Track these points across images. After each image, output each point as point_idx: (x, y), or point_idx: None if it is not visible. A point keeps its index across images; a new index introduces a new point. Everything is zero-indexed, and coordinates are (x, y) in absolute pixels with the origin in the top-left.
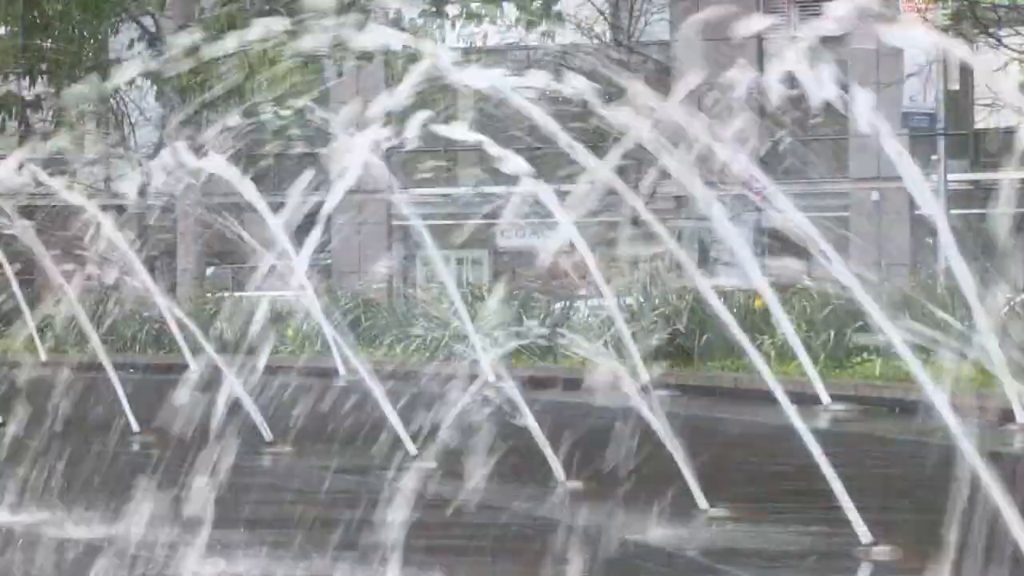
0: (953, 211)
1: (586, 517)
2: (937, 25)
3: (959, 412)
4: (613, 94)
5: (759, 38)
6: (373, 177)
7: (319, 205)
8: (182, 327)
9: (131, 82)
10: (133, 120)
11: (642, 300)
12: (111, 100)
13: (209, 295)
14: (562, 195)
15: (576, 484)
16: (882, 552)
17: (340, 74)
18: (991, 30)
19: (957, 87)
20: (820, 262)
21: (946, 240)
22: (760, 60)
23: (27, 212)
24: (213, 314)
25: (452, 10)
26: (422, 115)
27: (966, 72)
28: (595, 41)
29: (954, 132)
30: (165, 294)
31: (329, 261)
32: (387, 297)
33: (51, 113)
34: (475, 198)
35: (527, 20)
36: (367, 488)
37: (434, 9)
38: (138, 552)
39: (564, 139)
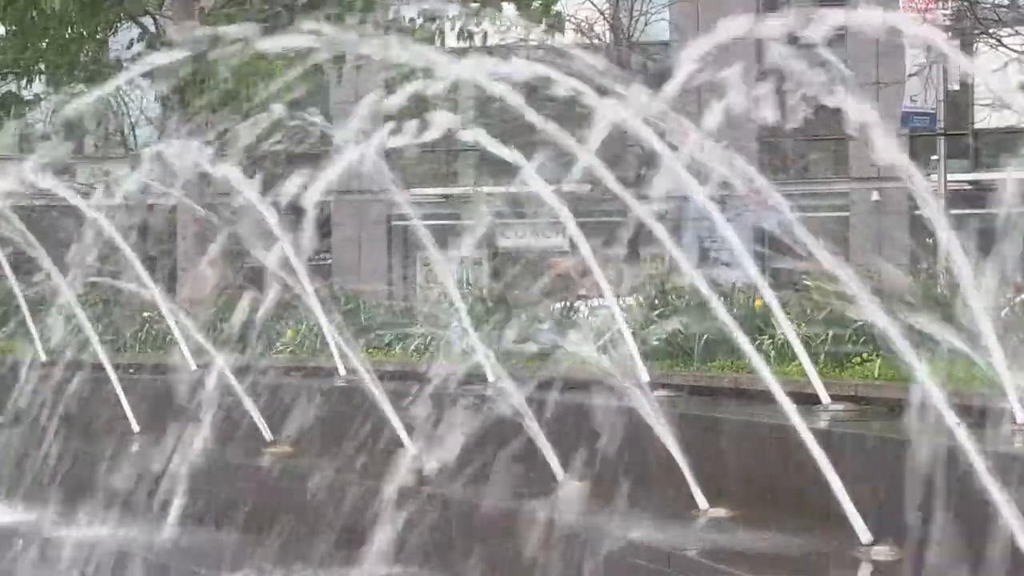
0: (953, 211)
1: (585, 516)
2: (937, 25)
3: (959, 412)
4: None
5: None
6: (373, 177)
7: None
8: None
9: (131, 81)
10: (133, 120)
11: (642, 300)
12: (111, 100)
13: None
14: (564, 195)
15: (578, 484)
16: (881, 552)
17: (340, 79)
18: (991, 30)
19: (957, 87)
20: (819, 263)
21: (946, 240)
22: (759, 59)
23: (26, 213)
24: (214, 314)
25: (452, 10)
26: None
27: (966, 72)
28: (595, 41)
29: (954, 132)
30: (165, 294)
31: (329, 261)
32: (387, 297)
33: (50, 113)
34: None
35: (527, 20)
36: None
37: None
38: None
39: (565, 137)
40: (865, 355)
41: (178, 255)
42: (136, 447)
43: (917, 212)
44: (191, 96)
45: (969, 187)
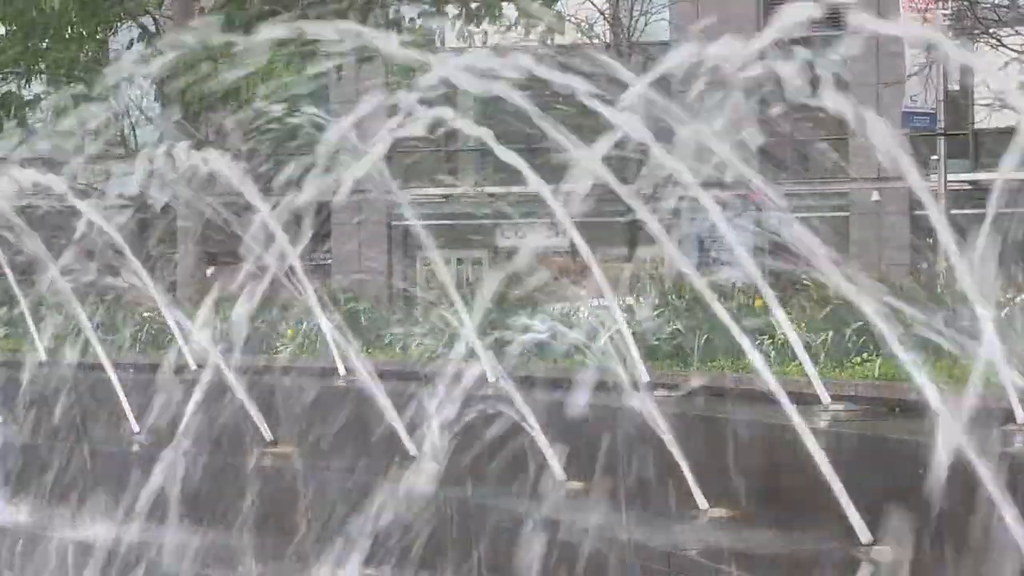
0: (953, 211)
1: (585, 517)
2: (937, 24)
3: (959, 413)
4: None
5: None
6: (372, 177)
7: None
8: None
9: (131, 81)
10: (133, 120)
11: (642, 300)
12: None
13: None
14: (563, 194)
15: (576, 484)
16: (881, 552)
17: (340, 78)
18: (991, 30)
19: (957, 87)
20: (818, 264)
21: (946, 240)
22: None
23: (26, 213)
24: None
25: (452, 10)
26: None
27: (966, 72)
28: (595, 41)
29: (954, 132)
30: (165, 294)
31: (329, 261)
32: (387, 297)
33: (50, 113)
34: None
35: (527, 20)
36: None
37: (434, 9)
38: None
39: (563, 138)
40: (865, 355)
41: (178, 255)
42: (136, 447)
43: (917, 212)
44: (191, 97)
45: (969, 187)
